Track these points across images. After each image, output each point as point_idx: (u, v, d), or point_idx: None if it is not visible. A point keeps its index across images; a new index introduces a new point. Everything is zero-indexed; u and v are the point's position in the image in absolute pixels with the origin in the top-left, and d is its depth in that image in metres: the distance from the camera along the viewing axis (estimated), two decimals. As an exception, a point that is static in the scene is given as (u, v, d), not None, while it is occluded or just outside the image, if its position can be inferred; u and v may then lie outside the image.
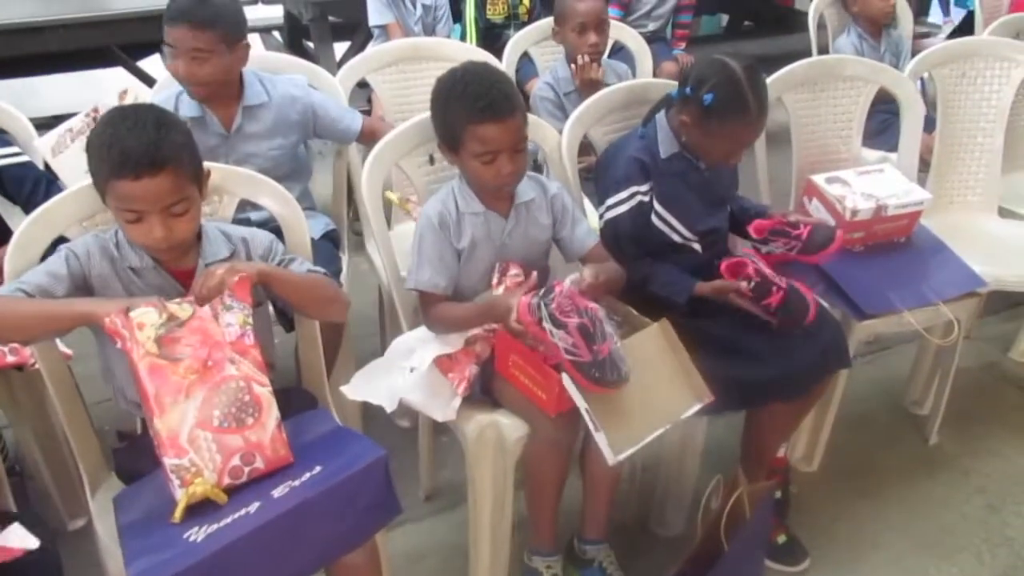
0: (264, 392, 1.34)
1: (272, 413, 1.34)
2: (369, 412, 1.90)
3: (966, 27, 4.32)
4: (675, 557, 1.83)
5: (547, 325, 1.45)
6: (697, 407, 1.60)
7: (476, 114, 1.57)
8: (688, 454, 1.88)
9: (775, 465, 1.92)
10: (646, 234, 1.83)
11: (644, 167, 1.80)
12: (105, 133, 1.34)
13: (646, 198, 1.81)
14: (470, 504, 1.72)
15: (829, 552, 1.95)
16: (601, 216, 1.84)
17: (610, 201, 1.81)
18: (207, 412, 1.29)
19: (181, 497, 1.25)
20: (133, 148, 1.30)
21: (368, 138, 2.09)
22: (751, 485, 1.62)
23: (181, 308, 1.31)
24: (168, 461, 1.27)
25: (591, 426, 1.48)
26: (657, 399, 1.57)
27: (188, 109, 1.92)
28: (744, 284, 1.72)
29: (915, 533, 2.02)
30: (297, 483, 1.30)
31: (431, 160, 1.82)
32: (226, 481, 1.29)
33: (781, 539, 1.89)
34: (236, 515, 1.25)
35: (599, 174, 1.92)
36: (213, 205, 1.60)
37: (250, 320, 1.34)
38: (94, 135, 1.36)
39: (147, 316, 1.28)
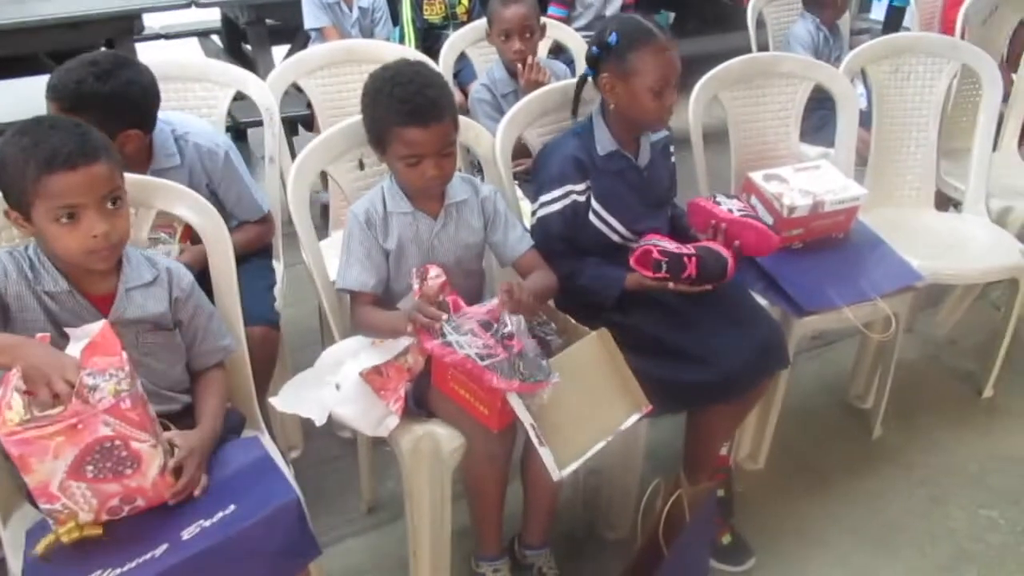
0: (144, 447, 1.23)
1: (155, 463, 1.25)
2: (309, 422, 1.86)
3: (892, 23, 4.42)
4: (622, 561, 1.81)
5: (452, 338, 1.42)
6: (636, 417, 1.59)
7: (401, 117, 1.55)
8: (631, 456, 1.86)
9: (718, 464, 1.91)
10: (580, 234, 1.81)
11: (581, 165, 1.78)
12: (23, 142, 1.28)
13: (581, 197, 1.79)
14: (408, 516, 1.68)
15: (775, 551, 1.94)
16: (533, 213, 1.81)
17: (544, 198, 1.79)
18: (78, 468, 1.20)
19: (48, 535, 1.20)
20: (63, 142, 1.27)
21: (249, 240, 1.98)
22: (691, 487, 1.60)
23: (52, 410, 1.18)
24: (41, 505, 1.21)
25: (536, 441, 1.45)
26: (597, 411, 1.56)
27: None
28: (668, 282, 1.70)
29: (860, 528, 2.02)
30: (208, 524, 1.26)
31: (361, 165, 1.78)
32: (104, 518, 1.25)
33: (726, 539, 1.88)
34: (142, 559, 1.20)
35: (535, 171, 1.90)
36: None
37: (123, 386, 1.21)
38: (7, 149, 1.29)
39: (15, 402, 1.17)
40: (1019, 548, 1.98)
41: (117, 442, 1.21)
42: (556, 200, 1.78)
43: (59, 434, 1.17)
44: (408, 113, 1.54)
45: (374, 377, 1.56)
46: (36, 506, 1.39)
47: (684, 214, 1.95)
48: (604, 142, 1.80)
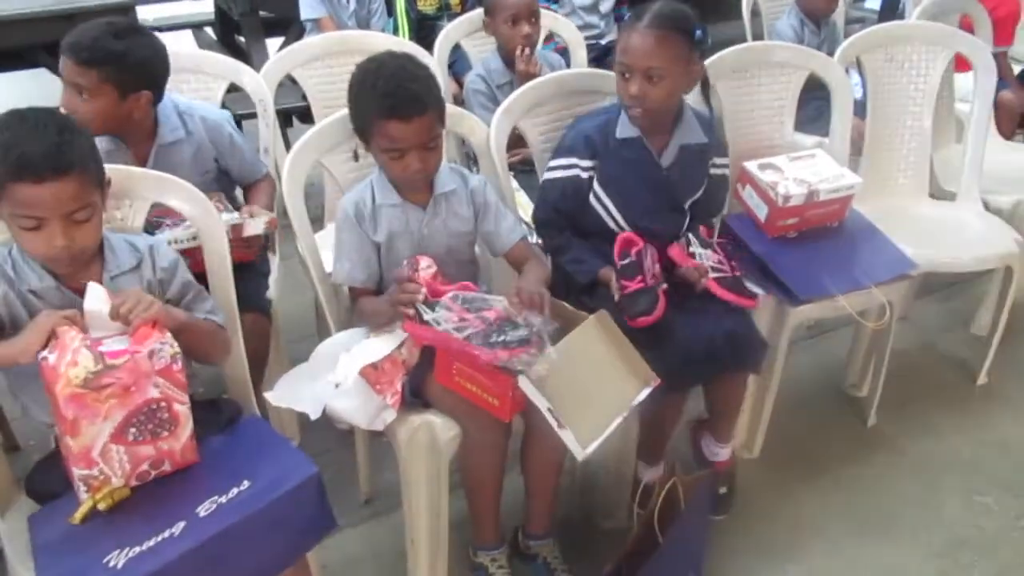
0: (183, 409, 1.32)
1: (187, 426, 1.33)
2: (305, 414, 1.87)
3: (888, 11, 4.41)
4: (618, 549, 1.82)
5: (428, 316, 1.46)
6: (647, 391, 1.60)
7: (383, 112, 1.55)
8: (626, 445, 1.86)
9: (721, 467, 1.94)
10: (580, 214, 1.83)
11: (591, 144, 1.80)
12: (2, 136, 1.26)
13: (585, 175, 1.81)
14: (405, 507, 1.69)
15: (770, 538, 1.96)
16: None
17: (551, 164, 1.85)
18: (123, 430, 1.26)
19: (86, 501, 1.25)
20: (35, 151, 1.23)
21: (256, 190, 2.05)
22: (686, 476, 1.61)
23: (115, 360, 1.25)
24: (77, 471, 1.25)
25: (554, 424, 1.46)
26: (608, 389, 1.58)
27: (102, 142, 1.77)
28: (613, 275, 1.73)
29: (855, 516, 2.03)
30: (224, 499, 1.28)
31: (355, 156, 1.78)
32: (133, 483, 1.30)
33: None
34: (160, 537, 1.21)
35: (563, 134, 1.91)
36: (124, 210, 1.54)
37: (179, 351, 1.30)
38: None
39: (84, 358, 1.22)
40: (1013, 534, 1.99)
41: (163, 403, 1.28)
42: (560, 169, 1.82)
43: (112, 396, 1.23)
44: (390, 107, 1.54)
45: (369, 371, 1.56)
46: (35, 498, 1.41)
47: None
48: (624, 126, 1.80)
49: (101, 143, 1.77)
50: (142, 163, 1.82)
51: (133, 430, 1.26)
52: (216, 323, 1.51)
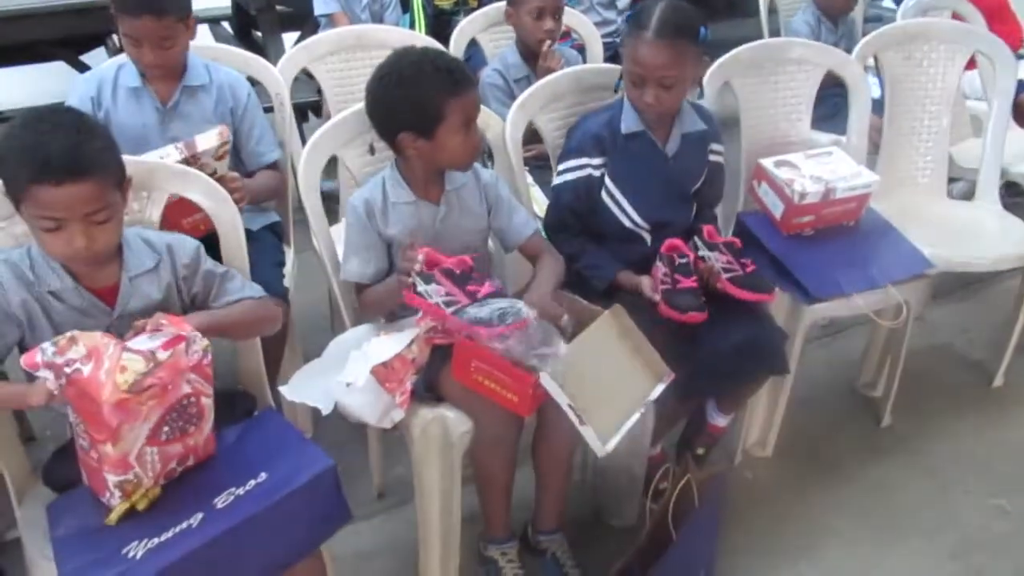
0: (208, 402, 1.34)
1: (210, 418, 1.35)
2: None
3: None
4: (629, 547, 1.82)
5: (421, 288, 1.48)
6: (662, 387, 1.61)
7: (455, 86, 1.57)
8: (637, 443, 1.85)
9: (714, 431, 1.99)
10: (593, 211, 1.83)
11: (600, 142, 1.80)
12: (21, 136, 1.26)
13: (597, 172, 1.81)
14: (418, 501, 1.70)
15: (783, 537, 1.95)
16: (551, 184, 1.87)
17: (561, 167, 1.84)
18: (157, 430, 1.27)
19: (121, 503, 1.25)
20: (55, 152, 1.23)
21: (270, 187, 2.08)
22: (699, 472, 1.61)
23: (164, 353, 1.26)
24: (112, 478, 1.24)
25: (575, 421, 1.46)
26: (624, 385, 1.58)
27: (128, 79, 1.91)
28: (654, 294, 1.73)
29: (868, 516, 2.02)
30: (241, 491, 1.29)
31: (371, 150, 1.78)
32: (160, 482, 1.30)
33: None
34: (177, 529, 1.22)
35: (566, 138, 1.93)
36: (141, 201, 1.54)
37: (209, 343, 1.31)
38: (10, 141, 1.27)
39: (133, 363, 1.21)
40: (1027, 536, 1.98)
41: (192, 398, 1.29)
42: (571, 171, 1.82)
43: (152, 397, 1.23)
44: (459, 80, 1.57)
45: (380, 370, 1.55)
46: (52, 487, 1.42)
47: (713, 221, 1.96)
48: (629, 121, 1.81)
49: (127, 79, 1.90)
50: (165, 101, 1.92)
51: (166, 429, 1.27)
52: (249, 298, 1.51)
